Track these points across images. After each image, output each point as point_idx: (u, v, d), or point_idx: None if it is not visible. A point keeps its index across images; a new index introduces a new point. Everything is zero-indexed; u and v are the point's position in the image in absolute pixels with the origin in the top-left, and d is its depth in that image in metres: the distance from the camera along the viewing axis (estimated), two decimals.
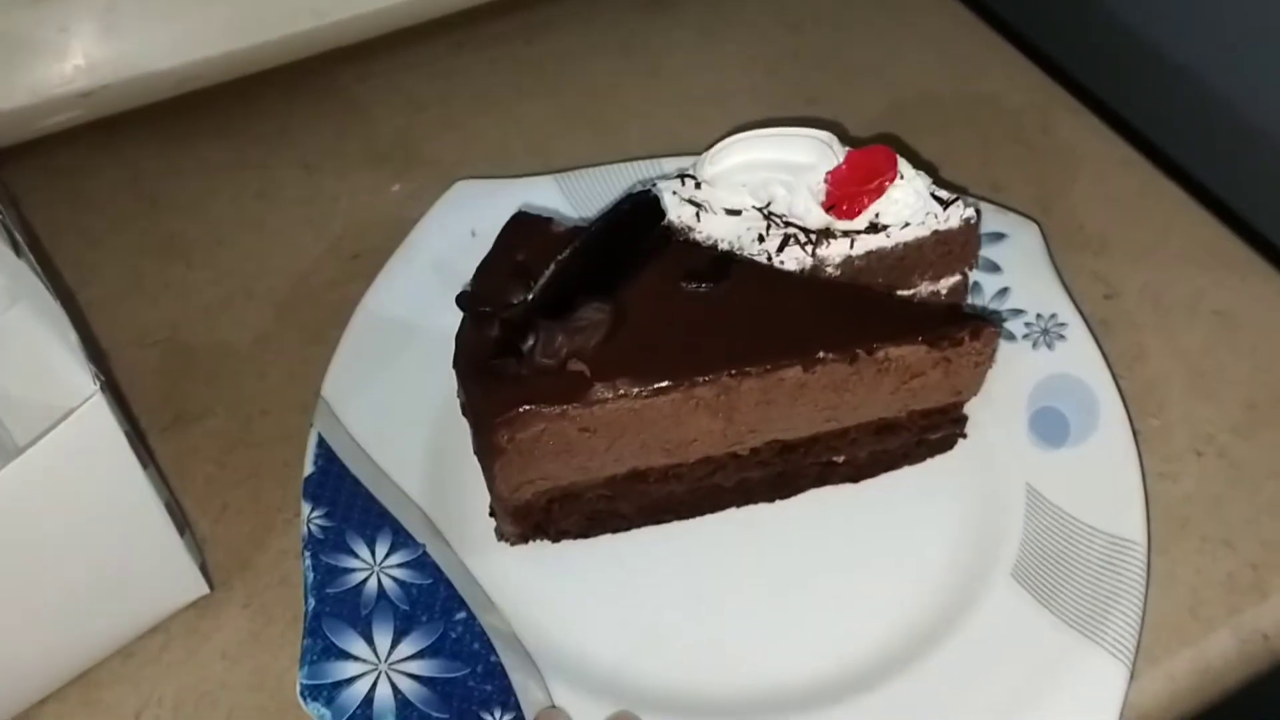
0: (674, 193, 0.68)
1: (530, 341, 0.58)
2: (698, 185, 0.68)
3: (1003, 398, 0.71)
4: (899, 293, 0.68)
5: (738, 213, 0.67)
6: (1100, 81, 0.96)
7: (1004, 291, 0.75)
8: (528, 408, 0.59)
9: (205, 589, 0.65)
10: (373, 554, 0.65)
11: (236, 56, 0.85)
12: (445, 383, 0.64)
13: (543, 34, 0.98)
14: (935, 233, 0.67)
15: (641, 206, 0.63)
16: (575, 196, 0.81)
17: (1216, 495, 0.69)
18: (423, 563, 0.65)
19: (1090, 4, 0.98)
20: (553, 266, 0.59)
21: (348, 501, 0.66)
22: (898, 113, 0.90)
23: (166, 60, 0.83)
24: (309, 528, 0.65)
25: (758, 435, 0.64)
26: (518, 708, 0.60)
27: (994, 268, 0.75)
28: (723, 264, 0.63)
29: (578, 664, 0.63)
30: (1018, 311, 0.74)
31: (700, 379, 0.60)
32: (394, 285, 0.76)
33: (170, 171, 0.89)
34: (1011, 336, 0.73)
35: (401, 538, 0.66)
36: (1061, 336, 0.72)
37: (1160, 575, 0.65)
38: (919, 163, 0.67)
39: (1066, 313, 0.73)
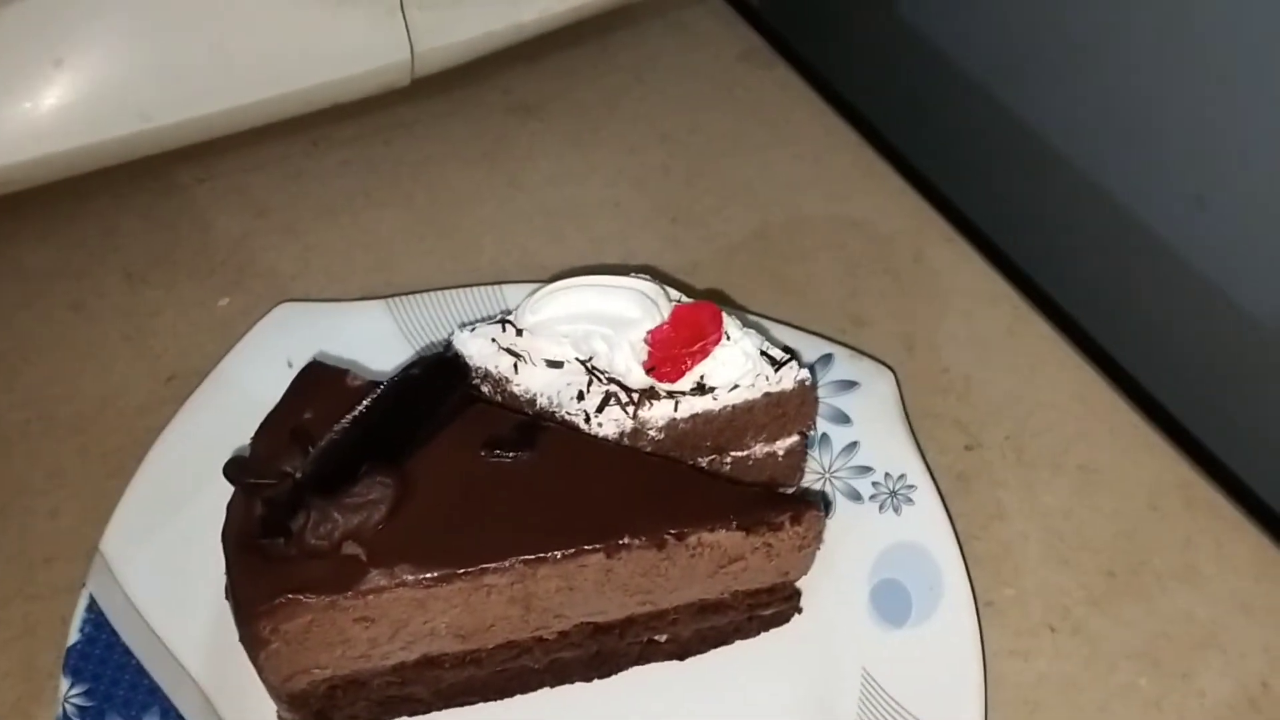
0: (493, 340, 0.63)
1: (300, 520, 0.52)
2: (519, 333, 0.63)
3: (845, 565, 0.66)
4: (731, 454, 0.64)
5: (559, 365, 0.62)
6: (976, 209, 0.92)
7: (853, 446, 0.70)
8: (291, 597, 0.53)
9: None
10: None
11: (56, 160, 0.79)
12: None
13: (402, 135, 0.93)
14: (766, 395, 0.62)
15: (436, 370, 0.57)
16: (409, 324, 0.75)
17: (1069, 677, 0.65)
18: None
19: (969, 122, 0.95)
20: (330, 434, 0.53)
21: (114, 676, 0.60)
22: (764, 235, 0.86)
23: None
24: (64, 708, 0.58)
25: (564, 620, 0.59)
26: None
27: (844, 419, 0.71)
28: (529, 431, 0.58)
29: None
30: (866, 469, 0.69)
31: (490, 566, 0.54)
32: (196, 421, 0.69)
33: None
34: (858, 497, 0.68)
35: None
36: (909, 500, 0.67)
37: None
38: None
39: (916, 473, 0.68)
